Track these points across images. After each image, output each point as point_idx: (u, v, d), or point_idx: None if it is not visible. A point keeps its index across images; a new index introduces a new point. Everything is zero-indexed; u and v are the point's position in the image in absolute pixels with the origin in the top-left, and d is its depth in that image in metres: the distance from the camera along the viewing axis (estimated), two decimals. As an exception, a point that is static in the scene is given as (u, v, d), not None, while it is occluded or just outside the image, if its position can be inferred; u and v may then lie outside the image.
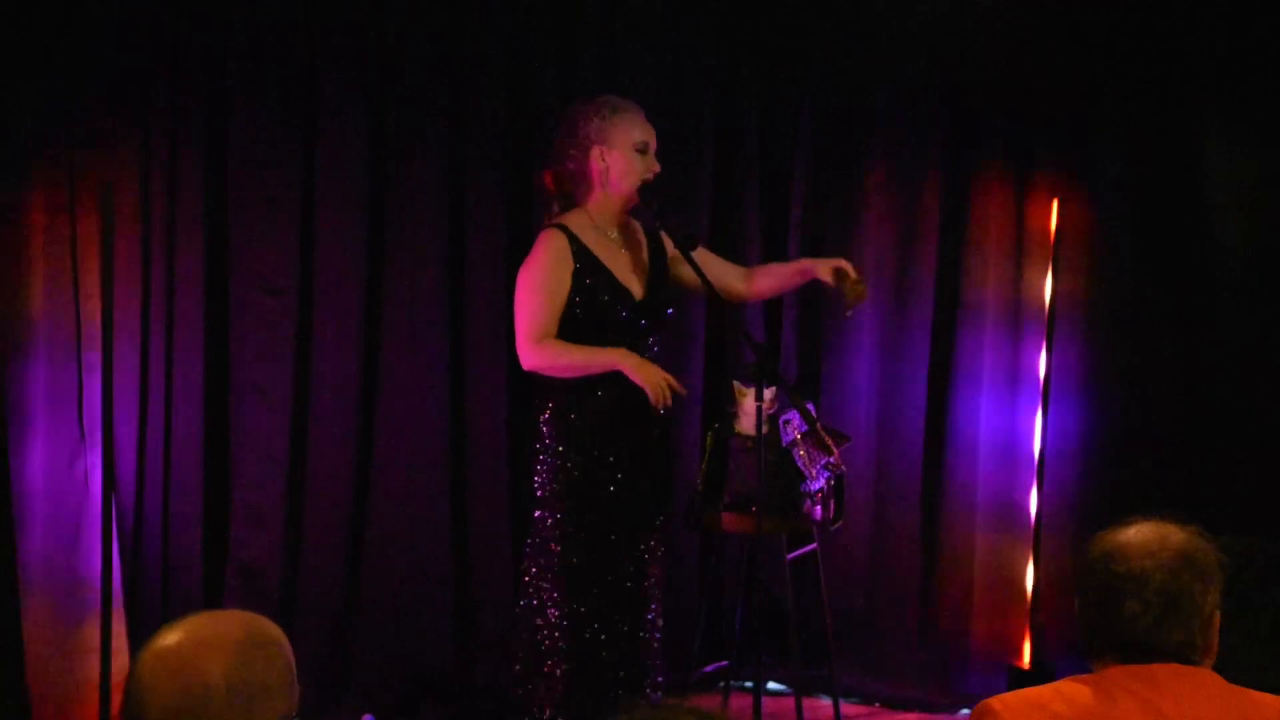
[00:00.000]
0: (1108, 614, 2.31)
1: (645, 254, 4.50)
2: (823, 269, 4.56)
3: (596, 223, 4.43)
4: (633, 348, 4.33)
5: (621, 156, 4.38)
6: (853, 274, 4.50)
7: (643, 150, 4.40)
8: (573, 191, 4.45)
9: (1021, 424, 5.69)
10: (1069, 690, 2.31)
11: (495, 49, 5.45)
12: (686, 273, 4.49)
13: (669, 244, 4.55)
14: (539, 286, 4.32)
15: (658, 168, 4.42)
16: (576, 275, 4.32)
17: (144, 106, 5.04)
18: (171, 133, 5.09)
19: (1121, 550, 2.33)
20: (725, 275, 4.61)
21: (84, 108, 4.91)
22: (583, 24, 5.58)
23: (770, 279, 4.74)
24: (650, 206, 4.43)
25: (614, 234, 4.46)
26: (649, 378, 4.23)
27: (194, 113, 5.12)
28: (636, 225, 4.53)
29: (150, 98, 5.05)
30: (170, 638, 1.96)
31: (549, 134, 5.45)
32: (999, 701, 2.31)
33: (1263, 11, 5.42)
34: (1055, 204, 5.66)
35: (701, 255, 4.47)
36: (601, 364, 4.27)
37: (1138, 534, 2.35)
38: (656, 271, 4.50)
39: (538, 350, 4.28)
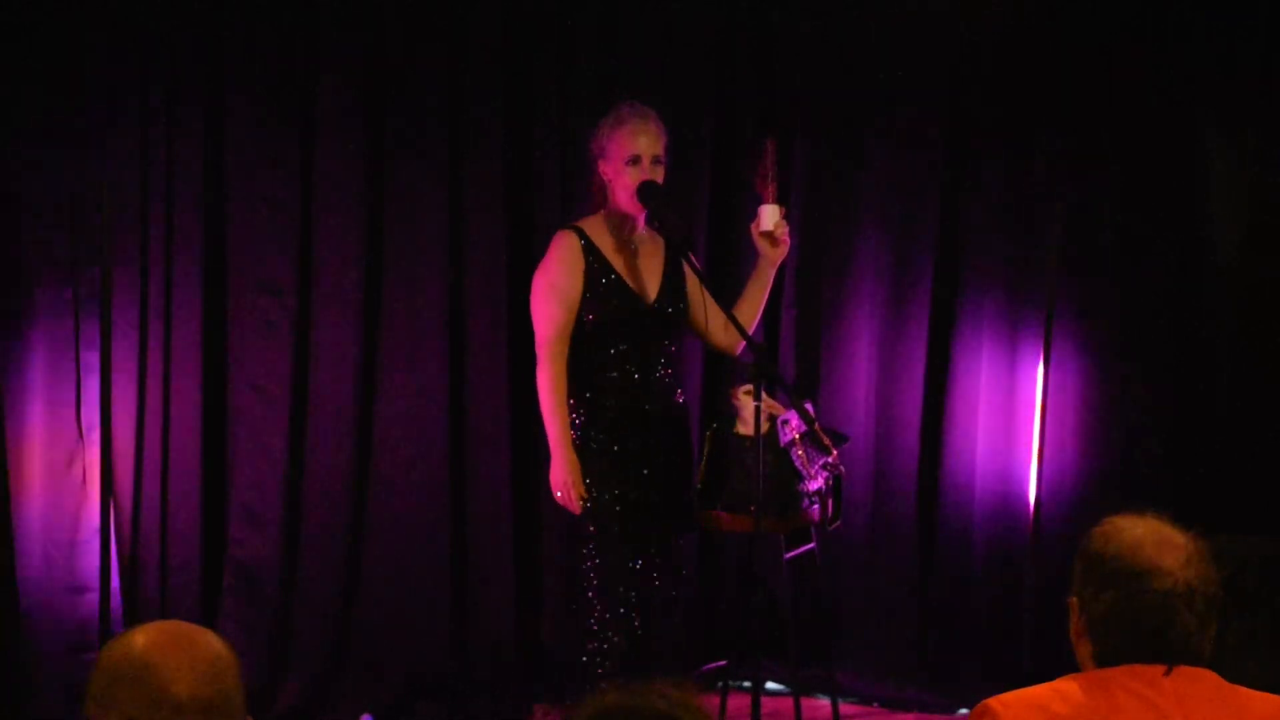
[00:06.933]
0: (1155, 629, 2.28)
1: (662, 259, 4.55)
2: (757, 237, 4.55)
3: (614, 226, 4.50)
4: (645, 349, 4.45)
5: (617, 171, 4.44)
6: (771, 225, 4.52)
7: (633, 163, 4.42)
8: (598, 193, 4.52)
9: (1020, 423, 5.68)
10: (1068, 689, 2.30)
11: (494, 49, 5.44)
12: (692, 287, 4.52)
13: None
14: (550, 291, 4.44)
15: (646, 177, 4.43)
16: (588, 275, 4.41)
17: (143, 106, 5.04)
18: (171, 133, 5.10)
19: (1159, 565, 2.28)
20: (716, 323, 4.60)
21: (83, 107, 4.91)
22: (582, 26, 5.57)
23: (745, 301, 4.65)
24: (651, 204, 4.42)
25: (631, 239, 4.50)
26: (556, 481, 4.39)
27: (193, 113, 5.12)
28: (653, 232, 4.57)
29: (149, 98, 5.05)
30: (136, 641, 1.91)
31: (547, 134, 5.50)
32: (998, 702, 2.31)
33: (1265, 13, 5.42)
34: (1056, 205, 5.65)
35: (709, 300, 4.51)
36: (553, 440, 4.39)
37: (1161, 541, 2.30)
38: (673, 277, 4.55)
39: (545, 370, 4.42)
